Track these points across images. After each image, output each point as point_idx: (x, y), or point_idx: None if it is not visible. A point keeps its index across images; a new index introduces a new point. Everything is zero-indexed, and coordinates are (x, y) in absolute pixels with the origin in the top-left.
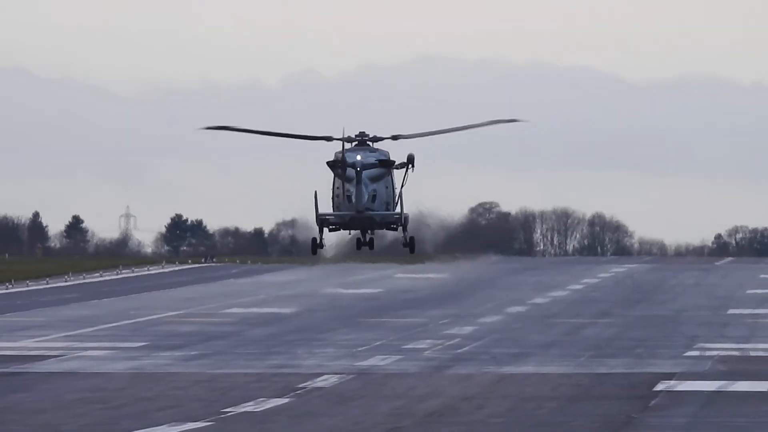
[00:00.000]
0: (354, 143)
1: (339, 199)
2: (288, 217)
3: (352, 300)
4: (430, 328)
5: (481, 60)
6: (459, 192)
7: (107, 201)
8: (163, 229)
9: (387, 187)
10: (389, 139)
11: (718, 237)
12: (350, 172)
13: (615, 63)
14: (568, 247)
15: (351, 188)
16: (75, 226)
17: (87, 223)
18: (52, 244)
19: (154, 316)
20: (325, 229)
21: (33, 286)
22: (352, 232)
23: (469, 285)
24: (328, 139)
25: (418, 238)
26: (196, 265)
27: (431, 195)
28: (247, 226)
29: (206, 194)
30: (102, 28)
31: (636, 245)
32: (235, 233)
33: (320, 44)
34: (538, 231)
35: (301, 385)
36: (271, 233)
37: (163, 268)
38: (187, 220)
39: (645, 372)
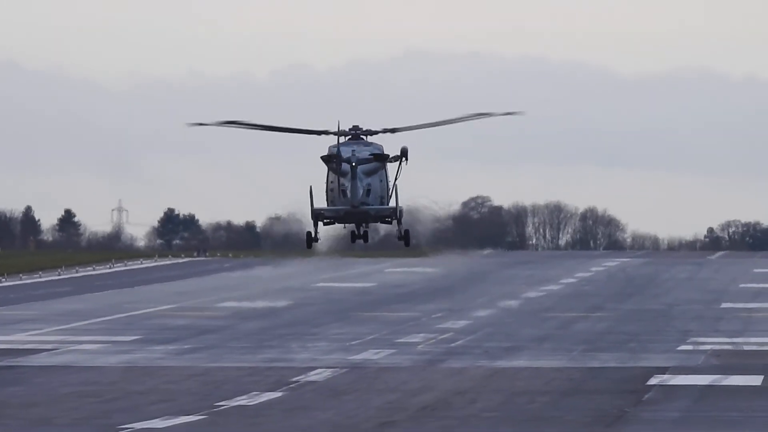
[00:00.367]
0: (348, 137)
1: (333, 193)
2: (280, 211)
3: (345, 294)
4: (423, 322)
5: (473, 54)
6: (452, 186)
7: (100, 195)
8: (156, 223)
9: (381, 181)
10: (384, 133)
11: (711, 231)
12: (345, 166)
13: (607, 58)
14: (560, 241)
15: (346, 183)
16: (67, 220)
17: (79, 217)
18: (45, 238)
19: (147, 310)
20: (320, 223)
21: (26, 280)
22: (347, 225)
23: (461, 279)
24: (326, 133)
25: (411, 232)
26: (189, 259)
27: (424, 189)
28: (240, 219)
29: (198, 188)
30: (93, 23)
31: (629, 239)
32: (228, 227)
33: (311, 38)
34: (531, 225)
35: (294, 379)
36: (263, 227)
37: (155, 261)
38: (179, 214)
39: (638, 366)
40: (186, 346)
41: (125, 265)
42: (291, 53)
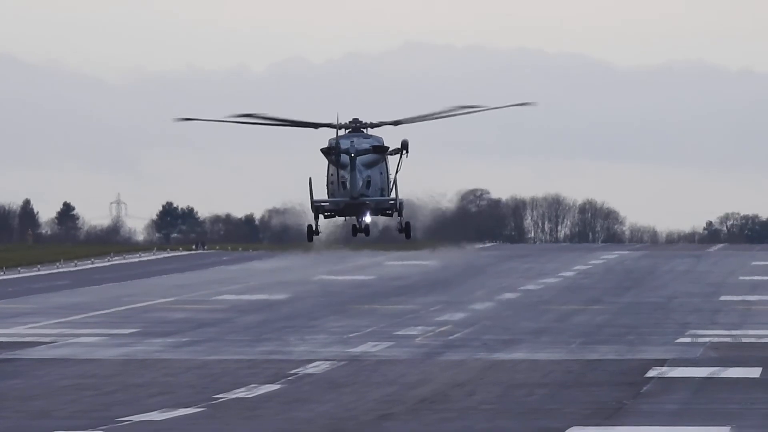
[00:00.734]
0: (348, 130)
1: (334, 185)
2: (279, 204)
3: (343, 287)
4: (421, 314)
5: (469, 47)
6: (450, 179)
7: (98, 188)
8: (154, 216)
9: (381, 173)
10: (389, 124)
11: (710, 224)
12: (344, 158)
13: (606, 51)
14: (559, 234)
15: (345, 175)
16: (66, 213)
17: (78, 210)
18: (44, 231)
19: (146, 303)
20: (321, 216)
21: (24, 273)
22: (347, 218)
23: (460, 272)
24: (329, 125)
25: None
26: (187, 252)
27: (423, 182)
28: (238, 212)
29: (197, 181)
30: (92, 17)
31: (627, 232)
32: (226, 220)
33: (307, 31)
34: (529, 218)
35: (292, 372)
36: (262, 220)
37: (154, 255)
38: (177, 207)
39: (636, 358)
40: (184, 339)
41: (124, 259)
42: (287, 46)
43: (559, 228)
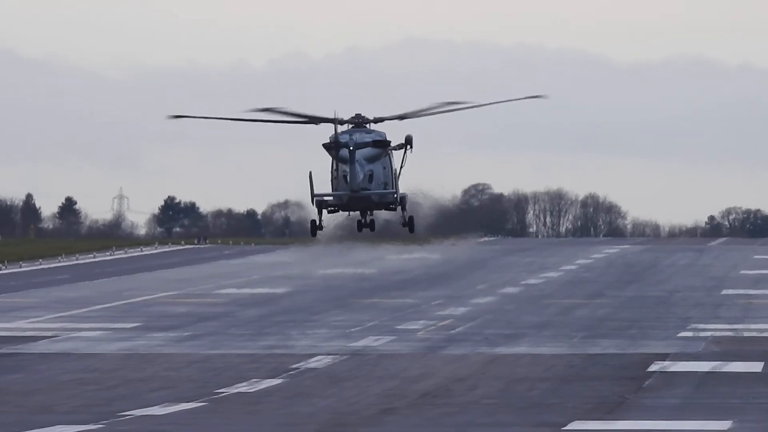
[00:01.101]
0: (351, 125)
1: (336, 180)
2: (281, 199)
3: (344, 281)
4: (423, 308)
5: (470, 42)
6: (452, 174)
7: (100, 183)
8: (156, 211)
9: (384, 168)
10: (395, 119)
11: (712, 218)
12: (344, 152)
13: (606, 46)
14: (561, 228)
15: (346, 168)
16: (68, 208)
17: (80, 205)
18: (46, 226)
19: (147, 297)
20: (324, 211)
21: (26, 268)
22: (352, 213)
23: (461, 266)
24: (332, 120)
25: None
26: (189, 246)
27: (425, 177)
28: (240, 207)
29: (198, 176)
30: (91, 12)
31: (629, 226)
32: (228, 214)
33: (307, 26)
34: (531, 212)
35: (294, 366)
36: (264, 214)
37: (156, 249)
38: (180, 201)
39: (638, 353)
40: (186, 333)
41: (125, 253)
42: (288, 42)
43: (561, 222)
